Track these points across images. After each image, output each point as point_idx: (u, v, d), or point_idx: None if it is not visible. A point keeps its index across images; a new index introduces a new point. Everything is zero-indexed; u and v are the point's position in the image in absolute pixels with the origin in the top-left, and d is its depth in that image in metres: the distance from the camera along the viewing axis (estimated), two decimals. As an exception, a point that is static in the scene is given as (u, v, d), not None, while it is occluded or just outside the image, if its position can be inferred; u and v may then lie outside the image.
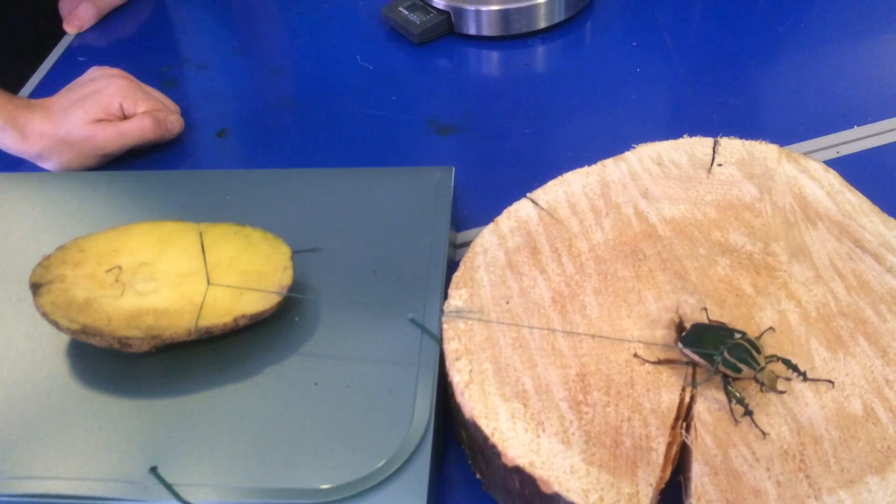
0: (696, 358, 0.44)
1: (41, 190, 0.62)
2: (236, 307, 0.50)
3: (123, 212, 0.60)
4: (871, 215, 0.52)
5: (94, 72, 0.72)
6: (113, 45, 0.88)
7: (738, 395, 0.42)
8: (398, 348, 0.49)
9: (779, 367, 0.44)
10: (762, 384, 0.43)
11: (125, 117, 0.70)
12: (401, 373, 0.48)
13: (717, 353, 0.43)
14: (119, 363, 0.49)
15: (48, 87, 0.81)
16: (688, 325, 0.47)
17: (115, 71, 0.72)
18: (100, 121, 0.68)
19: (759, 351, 0.43)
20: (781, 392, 0.43)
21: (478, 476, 0.47)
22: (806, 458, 0.41)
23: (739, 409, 0.42)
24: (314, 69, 0.82)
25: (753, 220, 0.53)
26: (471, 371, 0.46)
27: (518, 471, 0.41)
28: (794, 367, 0.44)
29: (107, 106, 0.68)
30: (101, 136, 0.68)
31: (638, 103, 0.75)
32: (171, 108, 0.74)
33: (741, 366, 0.43)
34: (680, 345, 0.45)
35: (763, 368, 0.43)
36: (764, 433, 0.41)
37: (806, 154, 0.58)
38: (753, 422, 0.42)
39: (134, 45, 0.88)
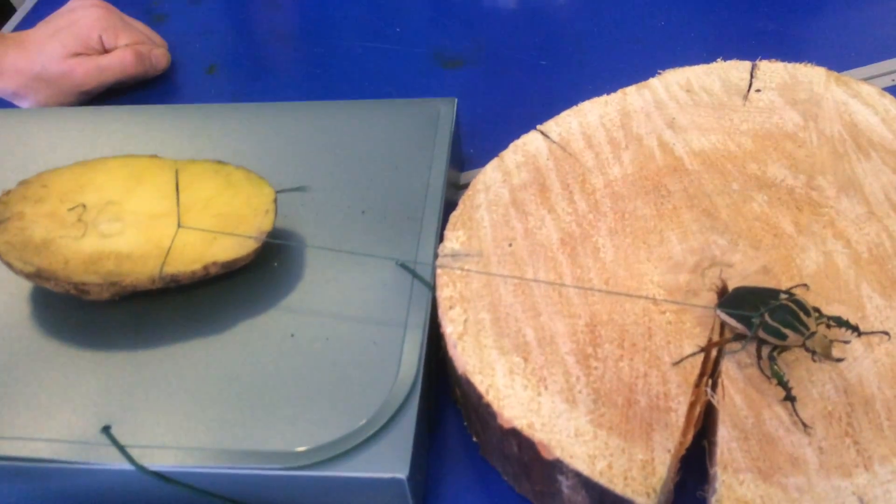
0: (732, 322, 0.37)
1: (12, 126, 0.57)
2: (207, 253, 0.45)
3: (98, 149, 0.55)
4: (935, 144, 0.45)
5: (74, 3, 0.67)
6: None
7: (782, 376, 0.35)
8: (386, 297, 0.43)
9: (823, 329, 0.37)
10: (814, 353, 0.35)
11: (106, 51, 0.65)
12: (388, 323, 0.42)
13: (757, 315, 0.36)
14: (79, 312, 0.45)
15: (32, 24, 0.76)
16: (731, 289, 0.40)
17: (95, 1, 0.66)
18: (78, 55, 0.63)
19: (808, 314, 0.35)
20: (839, 360, 0.35)
21: (474, 439, 0.42)
22: (854, 422, 0.35)
23: (780, 392, 0.35)
24: (312, 1, 0.76)
25: (796, 151, 0.46)
26: (465, 321, 0.40)
27: (515, 433, 0.36)
28: (847, 324, 0.37)
29: (85, 39, 0.63)
30: (80, 70, 0.63)
31: (667, 31, 0.67)
32: (156, 41, 0.68)
33: (786, 331, 0.35)
34: (718, 310, 0.38)
35: (814, 334, 0.35)
36: (806, 426, 0.34)
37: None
38: (795, 411, 0.35)
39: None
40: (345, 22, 0.72)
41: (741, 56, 0.53)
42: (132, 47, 0.64)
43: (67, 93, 0.63)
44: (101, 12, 0.64)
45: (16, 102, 0.64)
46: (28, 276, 0.44)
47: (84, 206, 0.47)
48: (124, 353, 0.42)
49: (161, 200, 0.48)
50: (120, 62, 0.64)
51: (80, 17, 0.64)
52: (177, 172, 0.49)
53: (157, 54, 0.66)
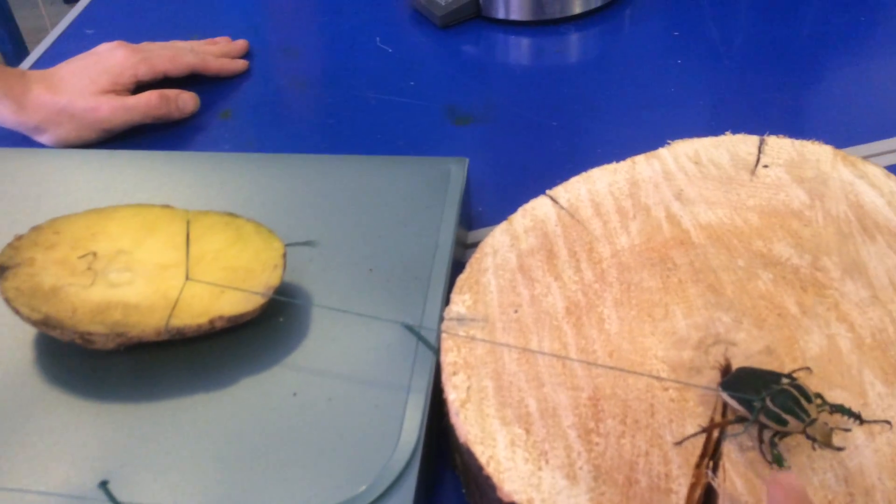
0: (734, 404, 0.37)
1: (26, 166, 0.58)
2: (214, 307, 0.45)
3: (111, 193, 0.56)
4: (940, 229, 0.46)
5: (101, 46, 0.68)
6: (121, 19, 0.84)
7: (783, 462, 0.35)
8: (390, 359, 0.44)
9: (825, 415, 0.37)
10: (814, 440, 0.35)
11: (132, 93, 0.66)
12: (390, 387, 0.42)
13: (758, 399, 0.36)
14: (82, 360, 0.45)
15: (50, 63, 0.77)
16: (734, 368, 0.40)
17: (123, 43, 0.68)
18: (106, 92, 0.64)
19: (809, 400, 0.36)
20: (839, 449, 0.36)
21: (472, 507, 0.42)
22: (855, 513, 0.34)
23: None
24: (329, 51, 0.77)
25: (802, 230, 0.47)
26: (468, 388, 0.40)
27: (514, 508, 0.36)
28: (849, 412, 0.37)
29: (116, 76, 0.64)
30: (106, 107, 0.64)
31: (677, 98, 0.68)
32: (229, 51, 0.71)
33: (787, 416, 0.35)
34: (721, 390, 0.38)
35: (814, 421, 0.35)
36: None
37: (865, 158, 0.51)
38: None
39: (142, 19, 0.84)
40: (360, 73, 0.74)
41: (749, 125, 0.54)
42: (159, 90, 0.66)
43: (90, 128, 0.64)
44: (130, 53, 0.66)
45: (35, 137, 0.65)
46: (35, 323, 0.44)
47: (95, 254, 0.48)
48: (125, 406, 0.42)
49: (171, 251, 0.48)
50: (146, 103, 0.65)
51: (110, 56, 0.65)
52: (188, 223, 0.50)
53: (185, 98, 0.68)
